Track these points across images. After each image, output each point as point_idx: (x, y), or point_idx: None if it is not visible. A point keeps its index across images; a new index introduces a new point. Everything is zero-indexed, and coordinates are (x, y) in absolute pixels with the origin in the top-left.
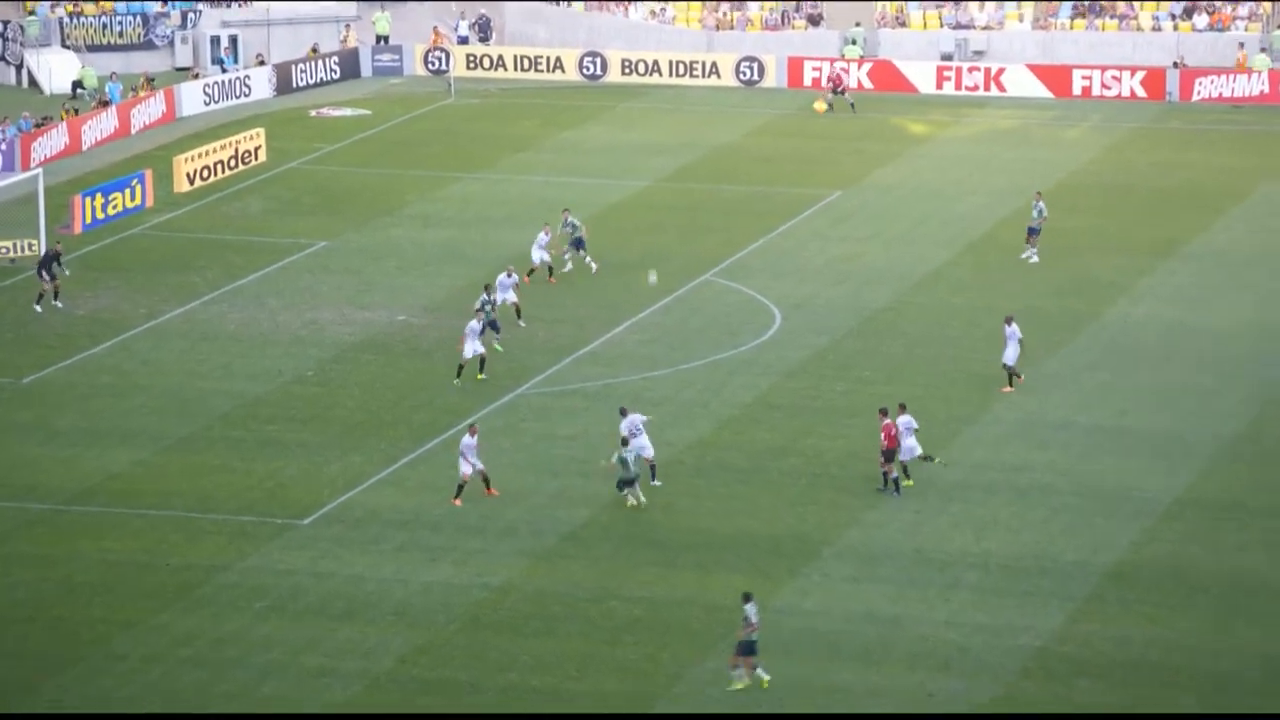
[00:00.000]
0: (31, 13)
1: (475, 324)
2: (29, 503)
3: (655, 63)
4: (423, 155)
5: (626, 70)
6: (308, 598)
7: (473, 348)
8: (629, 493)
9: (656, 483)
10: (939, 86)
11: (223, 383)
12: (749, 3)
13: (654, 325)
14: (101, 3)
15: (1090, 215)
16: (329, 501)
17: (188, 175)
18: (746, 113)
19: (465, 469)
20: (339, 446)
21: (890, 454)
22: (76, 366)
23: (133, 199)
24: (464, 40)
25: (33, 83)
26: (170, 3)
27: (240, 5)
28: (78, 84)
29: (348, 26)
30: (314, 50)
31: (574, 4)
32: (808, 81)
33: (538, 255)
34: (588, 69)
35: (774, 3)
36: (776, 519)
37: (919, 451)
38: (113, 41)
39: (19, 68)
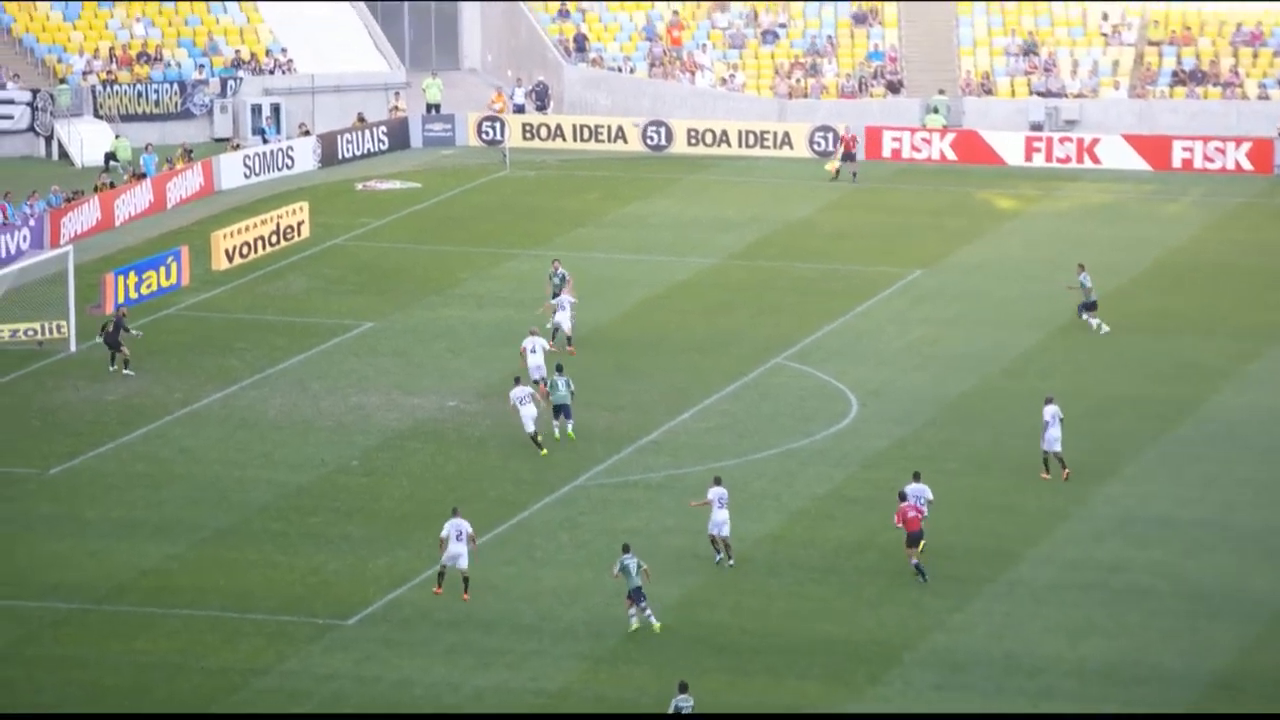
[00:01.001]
0: (63, 80)
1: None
2: (55, 601)
3: (723, 132)
4: (476, 231)
5: (693, 140)
6: (351, 704)
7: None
8: (636, 610)
9: (730, 563)
10: (1028, 158)
11: (263, 472)
12: (824, 69)
13: (721, 412)
14: (136, 70)
15: (1191, 296)
16: (375, 600)
17: (226, 252)
18: (820, 186)
19: (446, 558)
20: (386, 541)
21: (916, 537)
22: (108, 455)
23: (168, 277)
24: (520, 109)
25: (63, 155)
26: (209, 70)
27: (283, 72)
28: (111, 156)
29: (397, 94)
30: (361, 119)
31: (637, 70)
32: (886, 152)
33: (563, 319)
34: (651, 139)
35: (850, 69)
36: (854, 621)
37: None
38: (148, 111)
39: (49, 139)
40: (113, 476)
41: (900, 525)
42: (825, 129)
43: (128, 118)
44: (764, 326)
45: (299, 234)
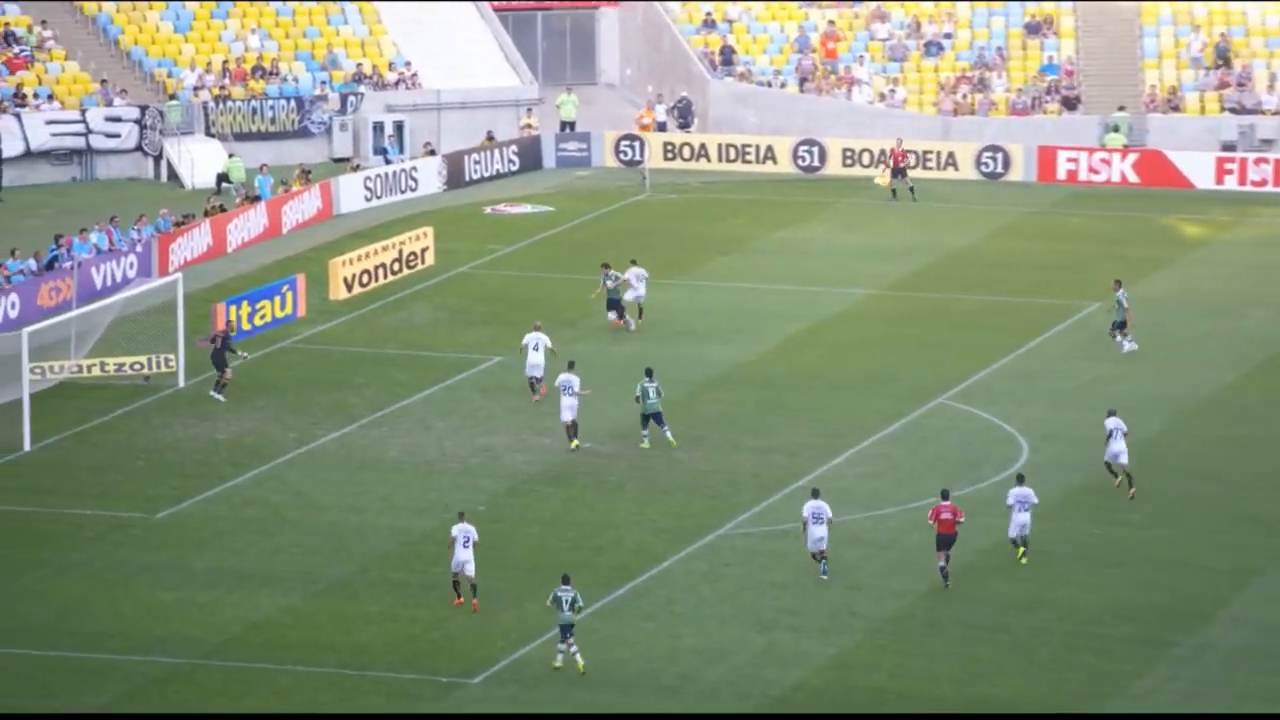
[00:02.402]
0: (173, 96)
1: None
2: (160, 656)
3: (883, 152)
4: (612, 258)
5: (849, 161)
6: None
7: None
8: (561, 648)
9: (824, 576)
10: (1219, 181)
11: (383, 517)
12: (993, 83)
13: (879, 456)
14: (251, 85)
15: None
16: (502, 657)
17: (345, 281)
18: (988, 210)
19: (455, 565)
20: (514, 593)
21: (949, 540)
22: (218, 499)
23: (283, 308)
24: (661, 127)
25: (173, 176)
26: (328, 85)
27: (407, 87)
28: (223, 177)
29: (529, 111)
30: (490, 138)
31: (788, 85)
32: (1061, 174)
33: (632, 294)
34: (803, 159)
35: (1022, 84)
36: (1024, 686)
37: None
38: (263, 129)
39: (158, 159)
40: (222, 522)
41: (932, 523)
42: (994, 149)
43: (241, 136)
44: (925, 363)
45: (423, 261)
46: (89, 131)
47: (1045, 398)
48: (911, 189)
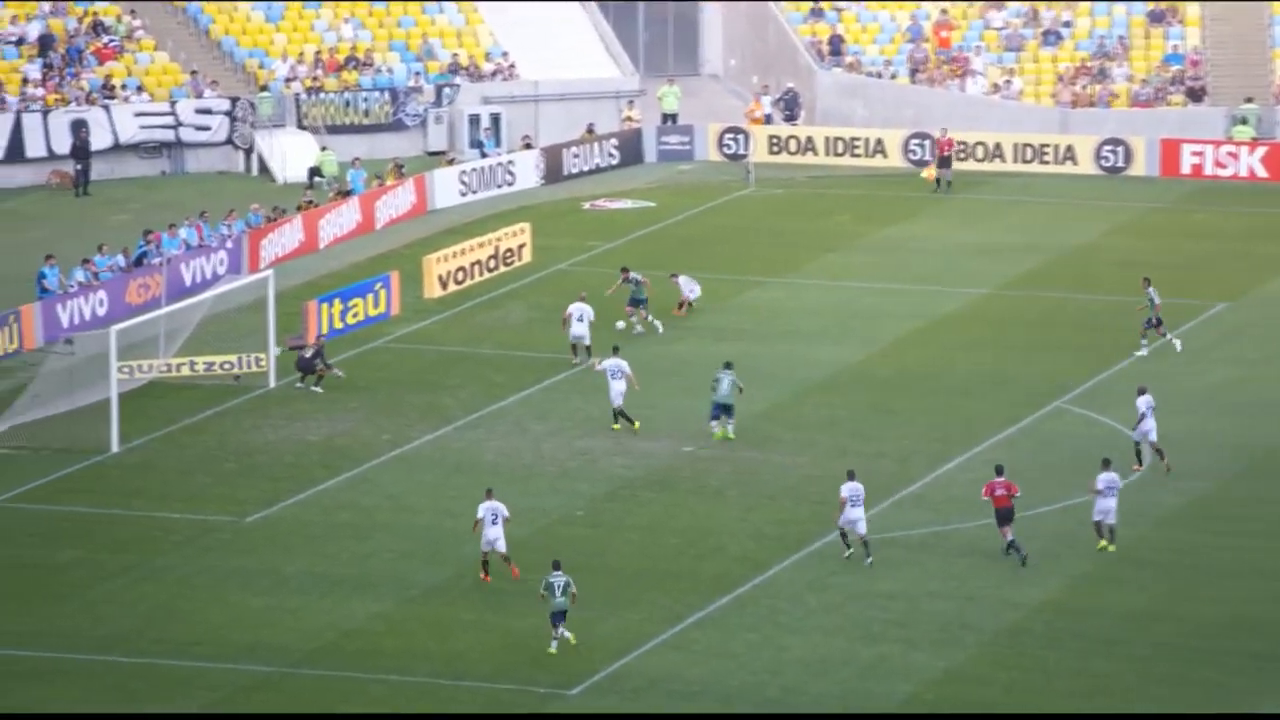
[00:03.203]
0: (264, 88)
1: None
2: (250, 664)
3: (997, 146)
4: (715, 255)
5: (961, 154)
6: None
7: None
8: (556, 635)
9: (869, 560)
10: None
11: None
12: (1114, 74)
13: (993, 462)
14: (344, 76)
15: None
16: (601, 668)
17: (440, 278)
18: (1108, 206)
19: (484, 544)
20: (613, 601)
21: (1007, 514)
22: (309, 502)
23: (376, 306)
24: (767, 119)
25: (264, 170)
26: (423, 76)
27: (504, 78)
28: (315, 171)
29: (629, 103)
30: (589, 131)
31: (898, 76)
32: (1186, 169)
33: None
34: (914, 153)
35: (1145, 74)
36: (1144, 702)
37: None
38: (356, 122)
39: (249, 152)
40: (314, 526)
41: (987, 499)
42: (1115, 143)
43: (334, 129)
44: (1041, 366)
45: (520, 258)
46: (178, 124)
47: (1168, 402)
48: (949, 182)
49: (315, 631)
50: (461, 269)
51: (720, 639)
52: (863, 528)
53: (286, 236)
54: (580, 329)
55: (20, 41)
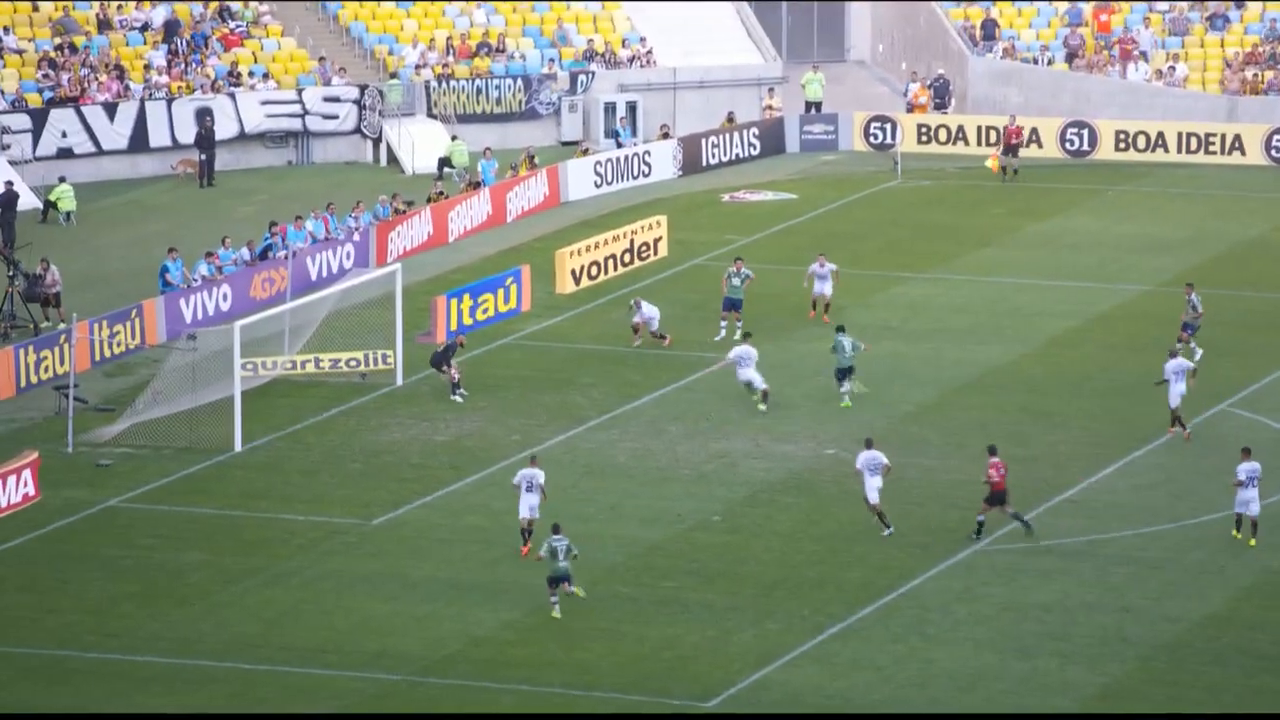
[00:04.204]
0: (393, 75)
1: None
2: (376, 672)
3: (1160, 135)
4: (860, 250)
5: (1122, 144)
6: None
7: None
8: (557, 596)
9: (887, 531)
10: None
11: (610, 527)
12: None
13: (1154, 467)
14: (476, 63)
15: None
16: (738, 680)
17: (573, 273)
18: (1278, 199)
19: (524, 510)
20: (751, 610)
21: (1000, 496)
22: (437, 505)
23: (506, 301)
24: (914, 107)
25: (392, 160)
26: (557, 63)
27: (641, 65)
28: (445, 161)
29: (770, 91)
30: (730, 120)
31: (1055, 62)
32: None
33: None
34: (1071, 142)
35: None
36: None
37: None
38: (488, 110)
39: (377, 142)
40: (441, 529)
41: (988, 483)
42: None
43: (465, 118)
44: (1206, 366)
45: (655, 252)
46: (305, 112)
47: None
48: (1016, 170)
49: (442, 639)
50: (595, 263)
51: (864, 651)
52: (875, 497)
53: (415, 229)
54: (651, 310)
55: (145, 28)
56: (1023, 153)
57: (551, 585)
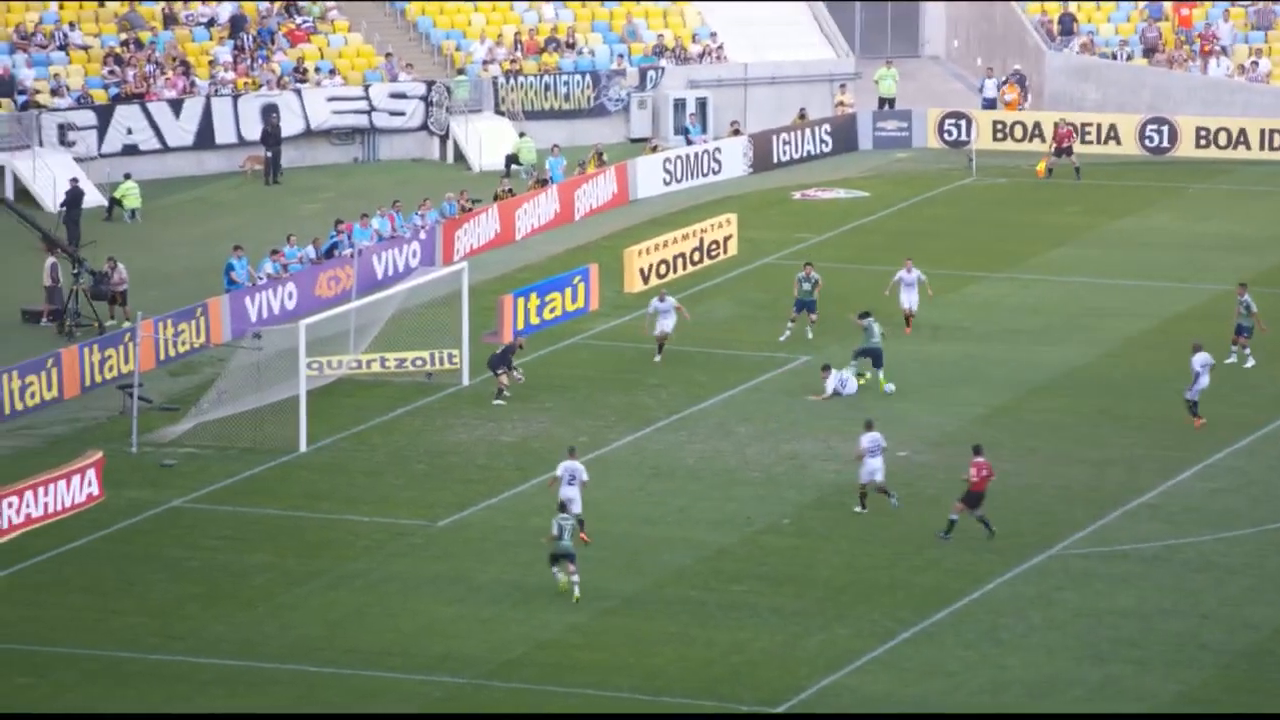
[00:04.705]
0: (461, 71)
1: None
2: (442, 675)
3: (1242, 132)
4: (934, 249)
5: (1203, 141)
6: None
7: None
8: (559, 570)
9: (895, 500)
10: None
11: (678, 530)
12: None
13: (1234, 470)
14: (544, 59)
15: None
16: (808, 686)
17: (641, 271)
18: None
19: (567, 502)
20: (821, 615)
21: (977, 498)
22: (502, 506)
23: (574, 300)
24: (990, 104)
25: (459, 157)
26: (627, 59)
27: (712, 61)
28: (512, 158)
29: (843, 87)
30: (802, 116)
31: (1134, 57)
32: None
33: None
34: (1151, 139)
35: None
36: None
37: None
38: (556, 107)
39: (444, 139)
40: (507, 531)
41: (968, 480)
42: None
43: (533, 114)
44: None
45: (725, 251)
46: (372, 109)
47: None
48: (1077, 169)
49: (508, 643)
50: (664, 262)
51: (936, 656)
52: (880, 476)
53: (482, 227)
54: (665, 323)
55: (211, 23)
56: (1100, 150)
57: (553, 562)
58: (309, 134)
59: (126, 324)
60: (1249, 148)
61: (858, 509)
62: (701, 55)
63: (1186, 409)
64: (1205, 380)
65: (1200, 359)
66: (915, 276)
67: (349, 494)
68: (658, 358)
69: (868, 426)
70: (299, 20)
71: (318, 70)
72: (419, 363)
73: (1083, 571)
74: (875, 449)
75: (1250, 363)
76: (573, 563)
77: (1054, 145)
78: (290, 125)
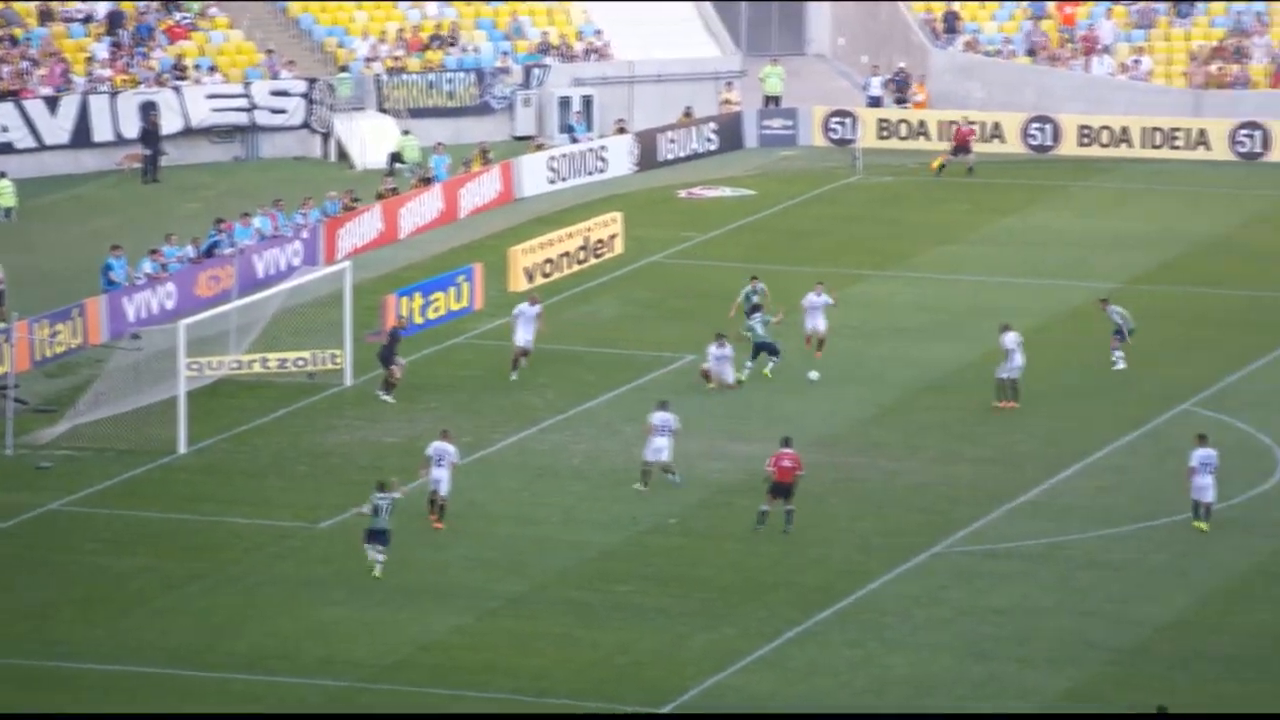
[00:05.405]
0: (343, 68)
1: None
2: (324, 679)
3: (1124, 130)
4: (819, 247)
5: (1085, 139)
6: None
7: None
8: (372, 551)
9: (675, 478)
10: None
11: (564, 531)
12: (1252, 53)
13: (1116, 468)
14: (428, 56)
15: None
16: (692, 686)
17: (526, 270)
18: (1244, 195)
19: (431, 482)
20: (706, 615)
21: (783, 489)
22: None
23: (459, 300)
24: (875, 101)
25: (342, 155)
26: (511, 57)
27: (597, 59)
28: (396, 157)
29: (729, 84)
30: (687, 114)
31: (1018, 55)
32: None
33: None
34: (1034, 137)
35: None
36: None
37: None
38: (440, 104)
39: (326, 136)
40: (390, 533)
41: (771, 470)
42: (1252, 126)
43: (416, 112)
44: (1170, 365)
45: (611, 249)
46: (253, 106)
47: None
48: (971, 168)
49: (392, 645)
50: (549, 261)
51: (821, 655)
52: (667, 455)
53: (365, 226)
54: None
55: (88, 19)
56: (984, 148)
57: (367, 539)
58: (189, 132)
59: (1, 325)
60: (1131, 146)
61: (638, 486)
62: (587, 53)
63: (995, 390)
64: (1019, 359)
65: (1010, 337)
66: (824, 301)
67: (229, 496)
68: (514, 375)
69: (661, 406)
70: (178, 17)
71: (197, 67)
72: (301, 363)
73: (967, 570)
74: (664, 429)
75: (1119, 365)
76: (384, 543)
77: (954, 143)
78: (169, 123)
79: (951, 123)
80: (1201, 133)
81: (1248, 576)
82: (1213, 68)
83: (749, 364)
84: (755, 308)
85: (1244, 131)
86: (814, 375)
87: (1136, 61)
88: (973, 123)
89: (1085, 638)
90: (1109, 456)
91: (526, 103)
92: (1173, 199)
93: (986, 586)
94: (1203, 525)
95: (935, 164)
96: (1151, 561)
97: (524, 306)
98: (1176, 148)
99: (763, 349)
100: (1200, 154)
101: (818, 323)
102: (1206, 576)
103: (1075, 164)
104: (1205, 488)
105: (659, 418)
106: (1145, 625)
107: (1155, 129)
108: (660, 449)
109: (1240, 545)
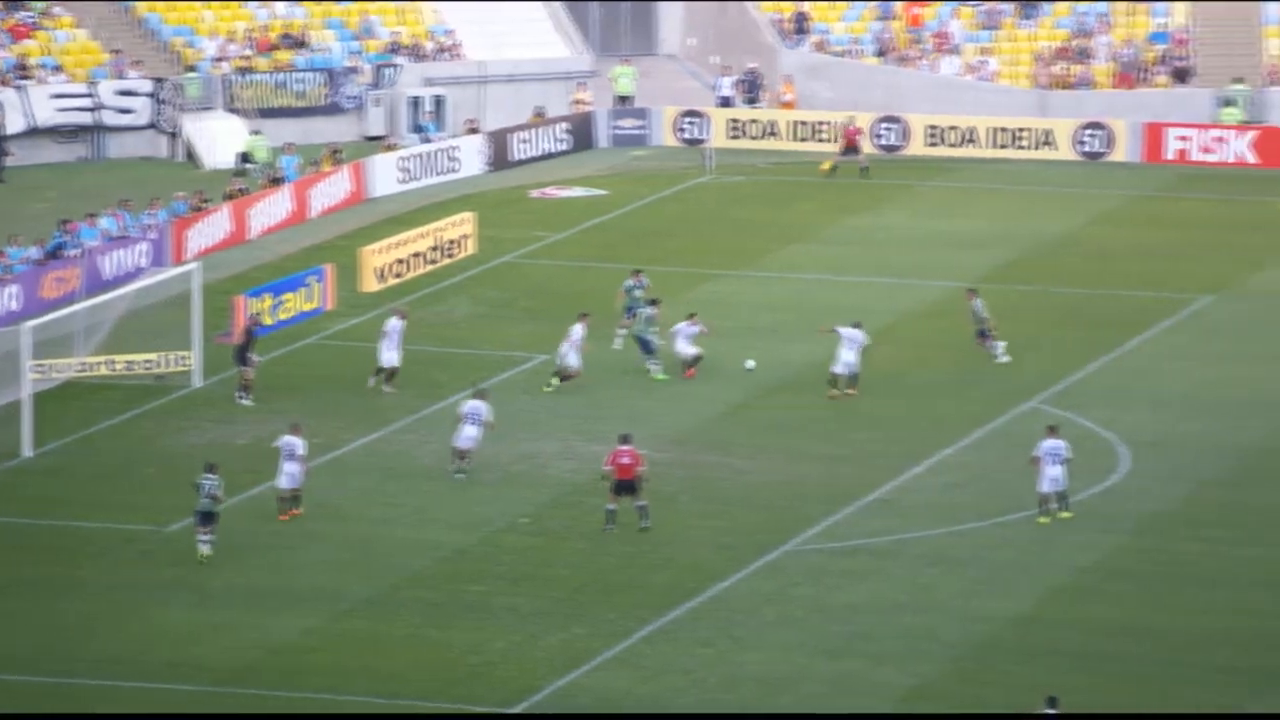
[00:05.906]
0: (191, 68)
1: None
2: (173, 683)
3: (970, 130)
4: (671, 247)
5: (933, 139)
6: None
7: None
8: (201, 536)
9: (463, 476)
10: None
11: (415, 531)
12: (1095, 53)
13: (963, 465)
14: (277, 56)
15: None
16: (545, 685)
17: (377, 271)
18: (1088, 194)
19: (282, 480)
20: (558, 614)
21: (626, 486)
22: (236, 510)
23: (309, 300)
24: (726, 102)
25: (190, 155)
26: (361, 57)
27: (448, 59)
28: (245, 157)
29: (581, 84)
30: (538, 114)
31: (866, 56)
32: (1170, 154)
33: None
34: (883, 137)
35: (1128, 55)
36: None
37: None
38: (289, 104)
39: (174, 136)
40: (240, 535)
41: (610, 469)
42: (1096, 126)
43: (266, 112)
44: (1016, 364)
45: (463, 249)
46: (99, 106)
47: (1149, 402)
48: (865, 168)
49: (241, 649)
50: (401, 261)
51: (672, 654)
52: (469, 444)
53: (214, 226)
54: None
55: None
56: (833, 147)
57: (202, 520)
58: (33, 132)
59: None
60: (978, 145)
61: (455, 471)
62: (438, 53)
63: (829, 382)
64: (852, 355)
65: (850, 333)
66: (695, 330)
67: (77, 499)
68: (371, 380)
69: (478, 394)
70: (20, 15)
71: (42, 67)
72: (149, 365)
73: (817, 567)
74: (474, 417)
75: (1002, 358)
76: (207, 525)
77: (843, 144)
78: (13, 123)
79: (823, 122)
80: (1046, 133)
81: (1092, 573)
82: (1057, 68)
83: (652, 364)
84: (652, 301)
85: (1088, 131)
86: (750, 364)
87: (983, 62)
88: (859, 125)
89: (933, 633)
90: (957, 454)
91: (377, 103)
92: (1018, 198)
93: (836, 584)
94: (1065, 514)
95: (826, 165)
96: (998, 557)
97: (394, 321)
98: (1022, 147)
99: (642, 345)
100: (1045, 154)
101: (687, 349)
102: (1052, 573)
103: (922, 164)
104: (1056, 478)
105: (470, 406)
106: (993, 620)
107: (1001, 129)
108: (470, 437)
109: (1086, 542)
